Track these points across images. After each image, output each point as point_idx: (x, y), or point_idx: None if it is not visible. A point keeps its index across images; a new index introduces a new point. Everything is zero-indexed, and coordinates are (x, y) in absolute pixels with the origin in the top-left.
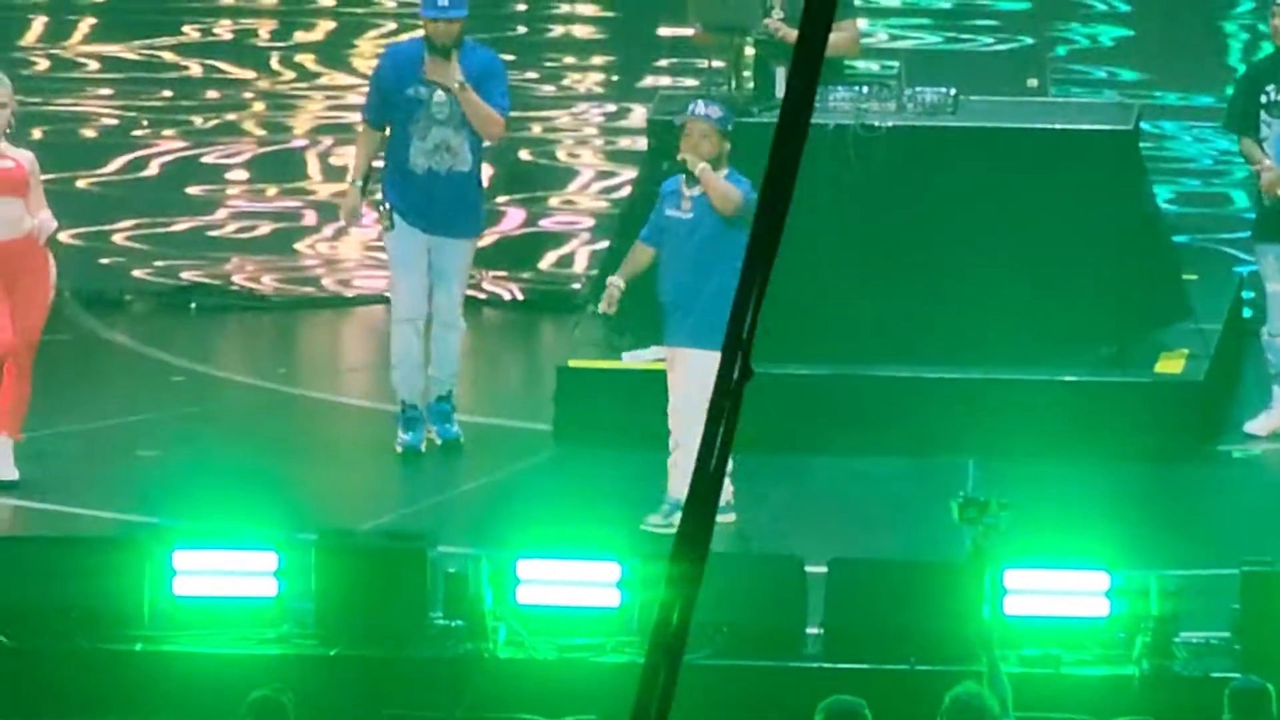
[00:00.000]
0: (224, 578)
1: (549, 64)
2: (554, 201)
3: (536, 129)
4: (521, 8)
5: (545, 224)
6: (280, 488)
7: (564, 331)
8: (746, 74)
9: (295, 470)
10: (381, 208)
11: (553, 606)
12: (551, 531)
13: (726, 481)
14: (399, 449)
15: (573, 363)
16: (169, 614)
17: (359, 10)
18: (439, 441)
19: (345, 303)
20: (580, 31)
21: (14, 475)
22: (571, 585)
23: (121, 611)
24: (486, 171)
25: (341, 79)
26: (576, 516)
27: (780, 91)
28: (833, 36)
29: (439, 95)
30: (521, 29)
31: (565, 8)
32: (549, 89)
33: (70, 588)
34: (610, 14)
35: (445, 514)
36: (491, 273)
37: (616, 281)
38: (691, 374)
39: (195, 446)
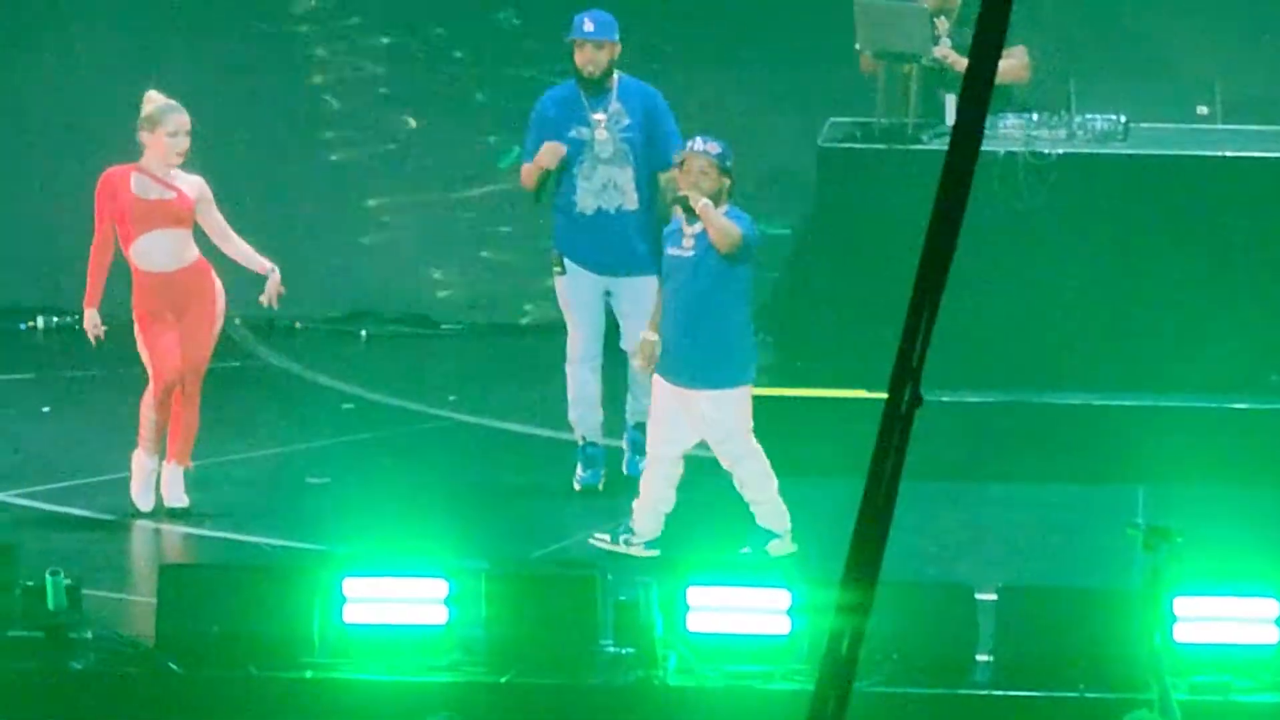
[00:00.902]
0: (394, 605)
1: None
2: None
3: None
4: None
5: None
6: (450, 515)
7: None
8: (915, 102)
9: (465, 498)
10: (552, 253)
11: (723, 634)
12: (722, 559)
13: (783, 510)
14: (577, 486)
15: None
16: (339, 641)
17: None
18: (625, 472)
19: (517, 330)
20: None
21: (184, 502)
22: (742, 612)
23: (291, 639)
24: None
25: None
26: (748, 544)
27: (950, 119)
28: (1001, 63)
29: (601, 133)
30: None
31: None
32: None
33: (240, 615)
34: None
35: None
36: None
37: (649, 335)
38: (724, 412)
39: (365, 474)
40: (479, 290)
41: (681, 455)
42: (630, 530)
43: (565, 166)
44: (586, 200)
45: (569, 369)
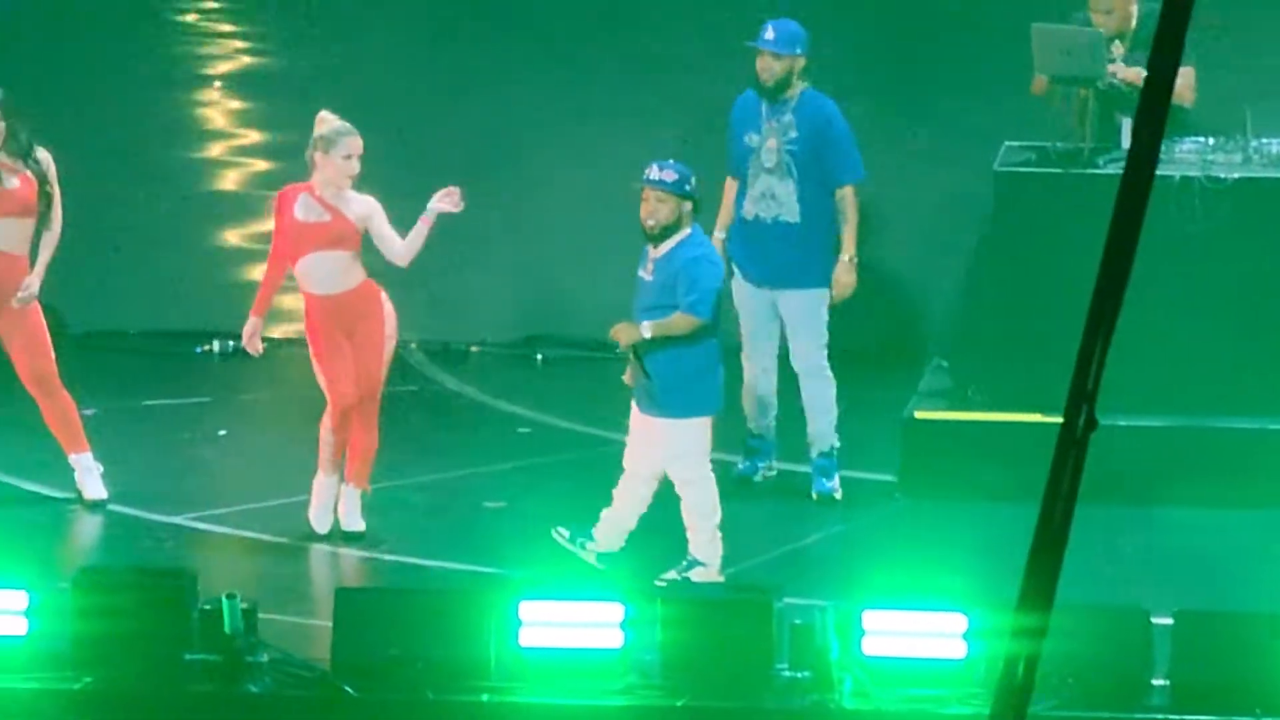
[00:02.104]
0: (570, 629)
1: None
2: (899, 251)
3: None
4: None
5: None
6: (628, 538)
7: (909, 382)
8: (1091, 126)
9: (640, 522)
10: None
11: (899, 658)
12: (898, 582)
13: (718, 543)
14: (735, 471)
15: (919, 414)
16: (514, 665)
17: None
18: (812, 495)
19: None
20: None
21: (361, 526)
22: (918, 636)
23: (467, 663)
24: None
25: None
26: (922, 568)
27: (1125, 143)
28: (1176, 84)
29: (770, 142)
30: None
31: None
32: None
33: (416, 639)
34: None
35: (791, 565)
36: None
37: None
38: (673, 440)
39: (541, 498)
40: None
41: (652, 476)
42: (591, 537)
43: (740, 172)
44: (749, 206)
45: (743, 361)
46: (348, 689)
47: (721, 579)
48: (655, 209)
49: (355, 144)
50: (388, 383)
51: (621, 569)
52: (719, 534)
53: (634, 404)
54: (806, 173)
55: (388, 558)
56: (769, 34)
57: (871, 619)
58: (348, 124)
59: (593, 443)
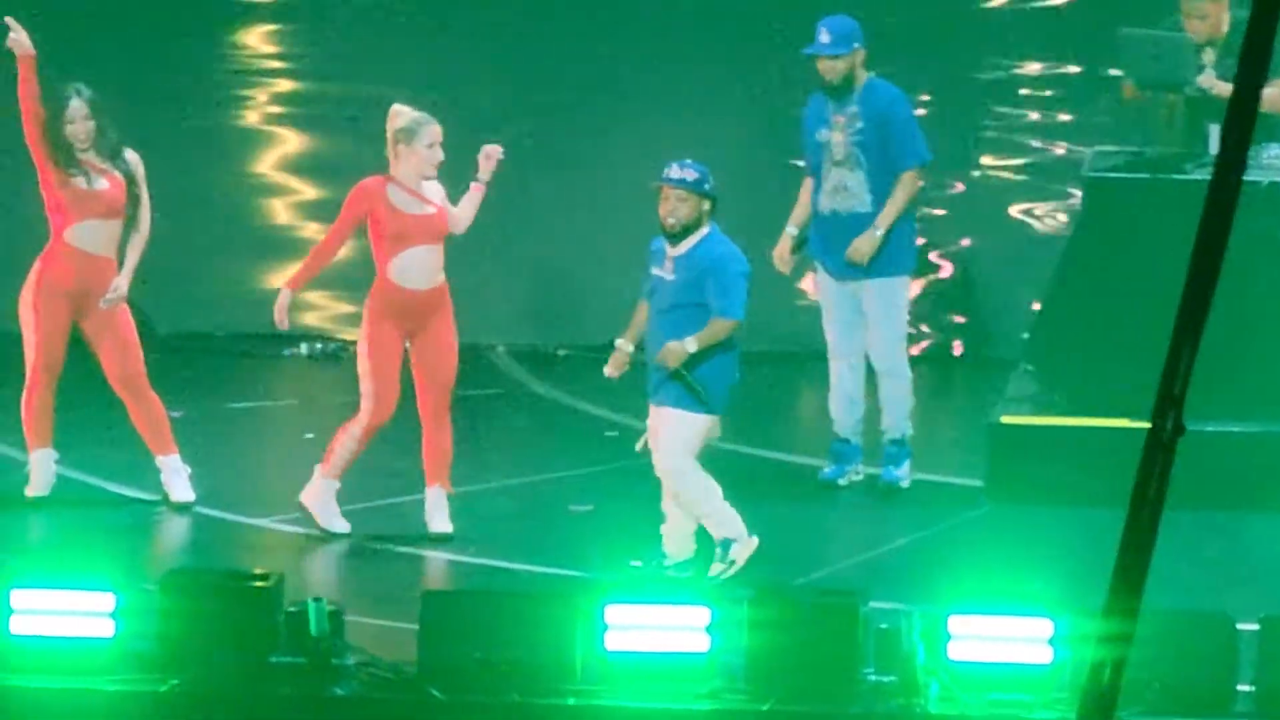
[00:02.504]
0: (655, 632)
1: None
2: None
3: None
4: None
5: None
6: (712, 543)
7: (997, 386)
8: (1179, 132)
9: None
10: (803, 251)
11: (985, 663)
12: (984, 587)
13: (691, 542)
14: (820, 477)
15: (1006, 418)
16: (600, 669)
17: None
18: (880, 479)
19: (783, 356)
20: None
21: (449, 528)
22: (1003, 641)
23: (553, 666)
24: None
25: None
26: (1009, 573)
27: (1213, 149)
28: (1265, 91)
29: (836, 135)
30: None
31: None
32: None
33: (502, 641)
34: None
35: (877, 569)
36: (924, 325)
37: (624, 345)
38: (672, 432)
39: (628, 501)
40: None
41: None
42: (665, 555)
43: (815, 168)
44: (824, 201)
45: (829, 364)
46: (434, 692)
47: (756, 540)
48: (675, 207)
49: (436, 131)
50: (476, 385)
51: (705, 571)
52: (727, 505)
53: (650, 402)
54: (875, 161)
55: (474, 561)
56: (823, 38)
57: (957, 623)
58: (424, 113)
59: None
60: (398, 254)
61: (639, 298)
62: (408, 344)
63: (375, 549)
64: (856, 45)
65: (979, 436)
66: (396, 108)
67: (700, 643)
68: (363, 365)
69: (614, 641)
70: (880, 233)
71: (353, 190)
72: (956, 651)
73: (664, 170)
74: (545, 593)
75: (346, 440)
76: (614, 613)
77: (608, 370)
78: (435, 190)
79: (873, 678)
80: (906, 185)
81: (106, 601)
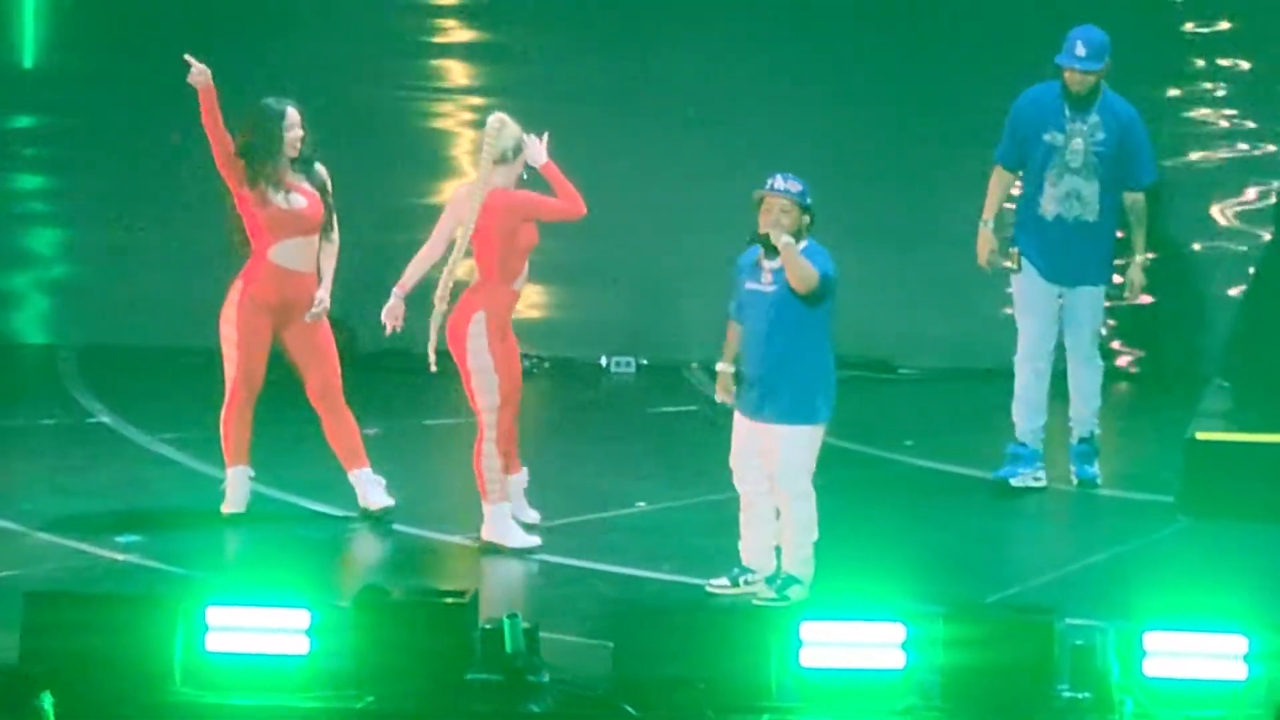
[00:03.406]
0: (850, 649)
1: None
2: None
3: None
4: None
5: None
6: (907, 559)
7: (1190, 402)
8: None
9: (923, 542)
10: (1011, 250)
11: (1179, 679)
12: (1178, 603)
13: (810, 561)
14: (992, 476)
15: (1200, 435)
16: (795, 686)
17: None
18: (1075, 482)
19: (976, 374)
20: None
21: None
22: (1198, 658)
23: (748, 683)
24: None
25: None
26: (1203, 589)
27: None
28: None
29: (1075, 143)
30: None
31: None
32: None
33: (697, 658)
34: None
35: (1071, 585)
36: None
37: (724, 368)
38: (790, 447)
39: (822, 517)
40: (939, 334)
41: (769, 491)
42: (748, 570)
43: (1036, 169)
44: (1049, 205)
45: (1017, 368)
46: (628, 708)
47: (804, 597)
48: (779, 218)
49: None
50: (671, 402)
51: (903, 592)
52: (812, 555)
53: (740, 419)
54: (1109, 173)
55: (669, 577)
56: (1079, 50)
57: (1152, 640)
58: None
59: (870, 462)
60: (523, 267)
61: (728, 317)
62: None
63: (569, 566)
64: (1108, 59)
65: (1172, 453)
66: (504, 118)
67: (896, 659)
68: (481, 363)
69: (809, 658)
70: (1146, 260)
71: (493, 201)
72: (1151, 668)
73: (767, 181)
74: (740, 609)
75: (489, 459)
76: (809, 629)
77: (719, 396)
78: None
79: (1067, 694)
80: (1145, 204)
81: (301, 619)
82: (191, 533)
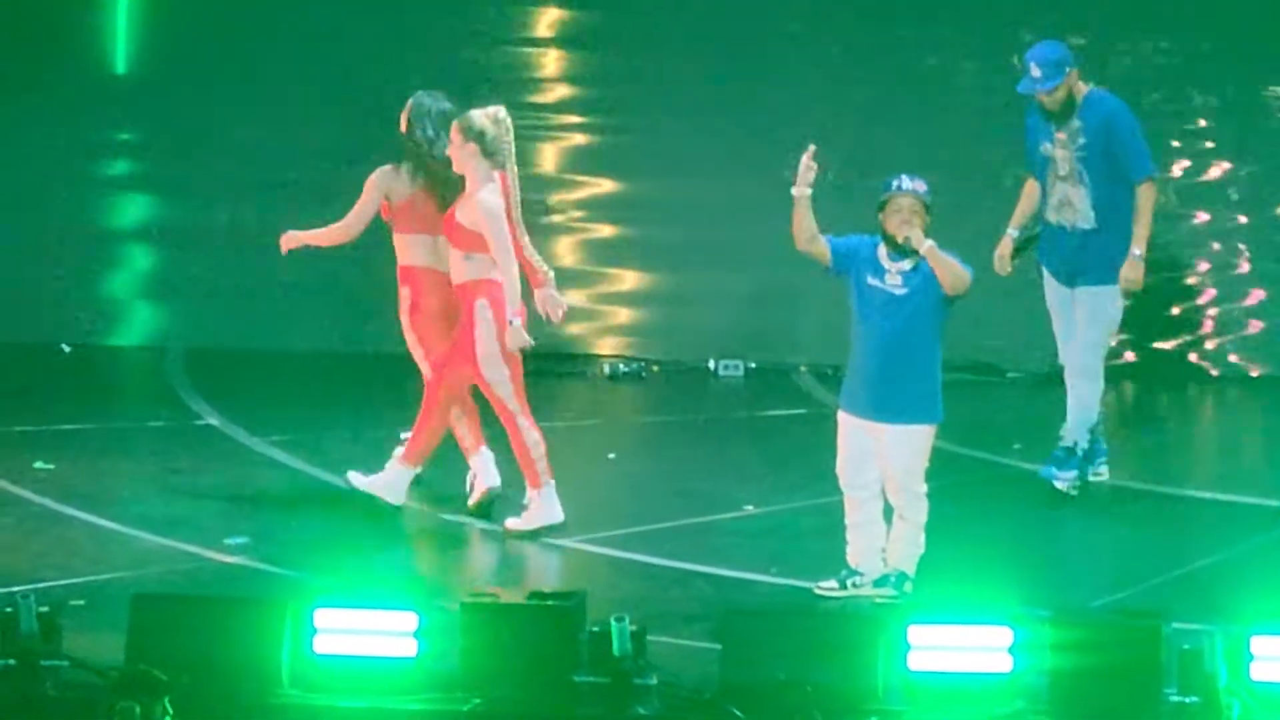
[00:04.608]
0: (958, 654)
1: None
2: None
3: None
4: None
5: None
6: (1013, 563)
7: None
8: None
9: (1028, 545)
10: (1032, 255)
11: None
12: None
13: (917, 554)
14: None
15: None
16: (904, 688)
17: None
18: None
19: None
20: None
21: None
22: None
23: (856, 686)
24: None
25: None
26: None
27: None
28: None
29: (1060, 152)
30: None
31: None
32: None
33: (804, 661)
34: None
35: (1179, 590)
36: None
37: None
38: (910, 448)
39: (930, 520)
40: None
41: (879, 493)
42: (856, 573)
43: (1040, 179)
44: (1050, 213)
45: (1063, 367)
46: (736, 712)
47: (909, 591)
48: (910, 218)
49: None
50: (780, 406)
51: (1010, 595)
52: (921, 547)
53: (851, 421)
54: (1099, 176)
55: (778, 580)
56: (1034, 73)
57: (1260, 644)
58: None
59: (978, 466)
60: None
61: (826, 241)
62: None
63: (676, 570)
64: (1068, 69)
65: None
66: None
67: (1003, 663)
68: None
69: (917, 661)
70: (1141, 255)
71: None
72: (1259, 672)
73: (892, 181)
74: (848, 612)
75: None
76: (917, 633)
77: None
78: None
79: (1175, 698)
80: (1148, 198)
81: (409, 621)
82: (300, 535)
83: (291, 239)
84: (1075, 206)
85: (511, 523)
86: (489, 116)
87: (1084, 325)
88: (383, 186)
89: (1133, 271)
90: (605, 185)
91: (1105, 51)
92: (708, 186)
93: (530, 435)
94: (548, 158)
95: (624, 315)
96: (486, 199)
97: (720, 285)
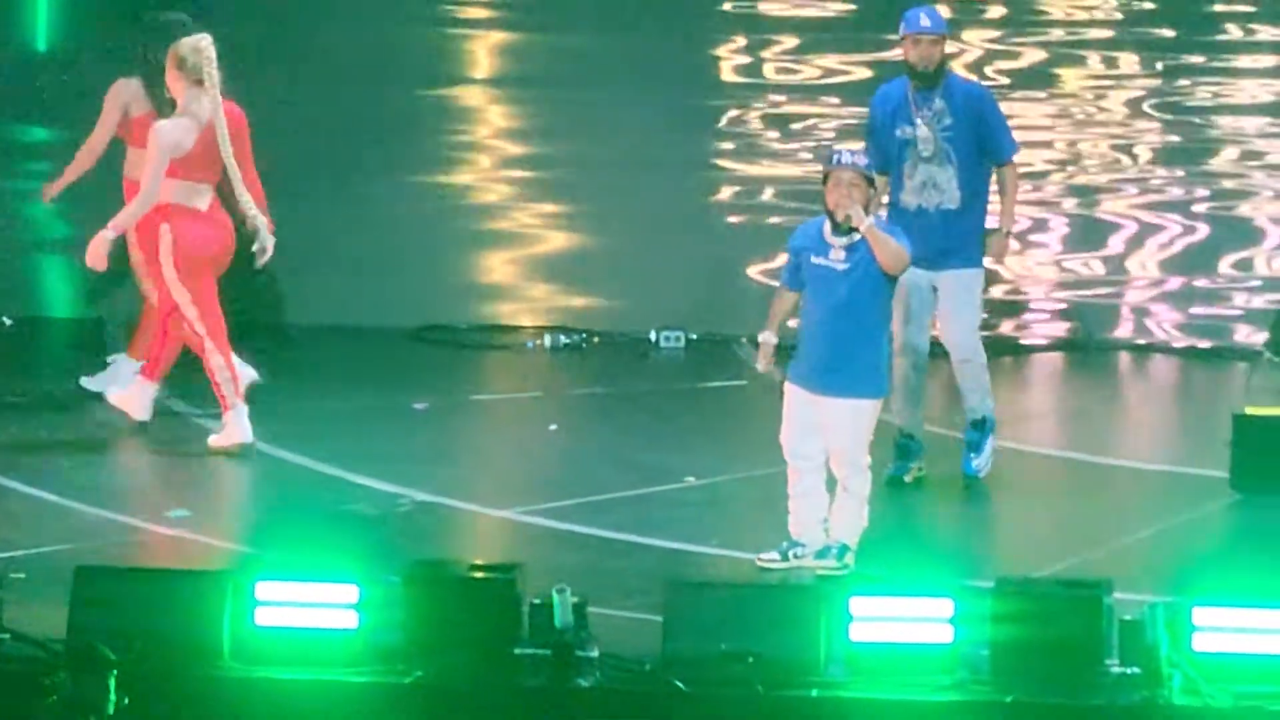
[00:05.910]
0: (899, 624)
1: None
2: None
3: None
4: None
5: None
6: (955, 533)
7: (1234, 378)
8: None
9: (969, 516)
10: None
11: (1229, 654)
12: (1229, 578)
13: (862, 526)
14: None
15: (1250, 409)
16: (847, 659)
17: None
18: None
19: (1022, 349)
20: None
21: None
22: (1250, 633)
23: (798, 658)
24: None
25: None
26: (1255, 564)
27: None
28: None
29: (924, 131)
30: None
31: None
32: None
33: (746, 633)
34: None
35: (1121, 560)
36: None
37: (768, 338)
38: (856, 421)
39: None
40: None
41: (822, 464)
42: (798, 544)
43: (895, 165)
44: (908, 197)
45: (895, 359)
46: (677, 683)
47: (853, 567)
48: (849, 191)
49: None
50: (721, 377)
51: (949, 564)
52: (866, 520)
53: (798, 393)
54: (965, 157)
55: (718, 551)
56: (924, 20)
57: (1202, 615)
58: None
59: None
60: None
61: (782, 287)
62: None
63: (618, 541)
64: (946, 35)
65: (1217, 427)
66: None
67: (944, 634)
68: None
69: (859, 633)
70: (1009, 233)
71: None
72: (1201, 643)
73: (832, 156)
74: (790, 584)
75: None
76: (858, 604)
77: (761, 366)
78: None
79: (1116, 670)
80: (1014, 178)
81: (350, 593)
82: (241, 507)
83: (51, 189)
84: (941, 187)
85: (213, 440)
86: (190, 44)
87: (958, 311)
88: (122, 98)
89: (1002, 249)
90: (548, 153)
91: None
92: (651, 155)
93: (215, 359)
94: (490, 124)
95: (564, 287)
96: (160, 125)
97: (661, 256)
